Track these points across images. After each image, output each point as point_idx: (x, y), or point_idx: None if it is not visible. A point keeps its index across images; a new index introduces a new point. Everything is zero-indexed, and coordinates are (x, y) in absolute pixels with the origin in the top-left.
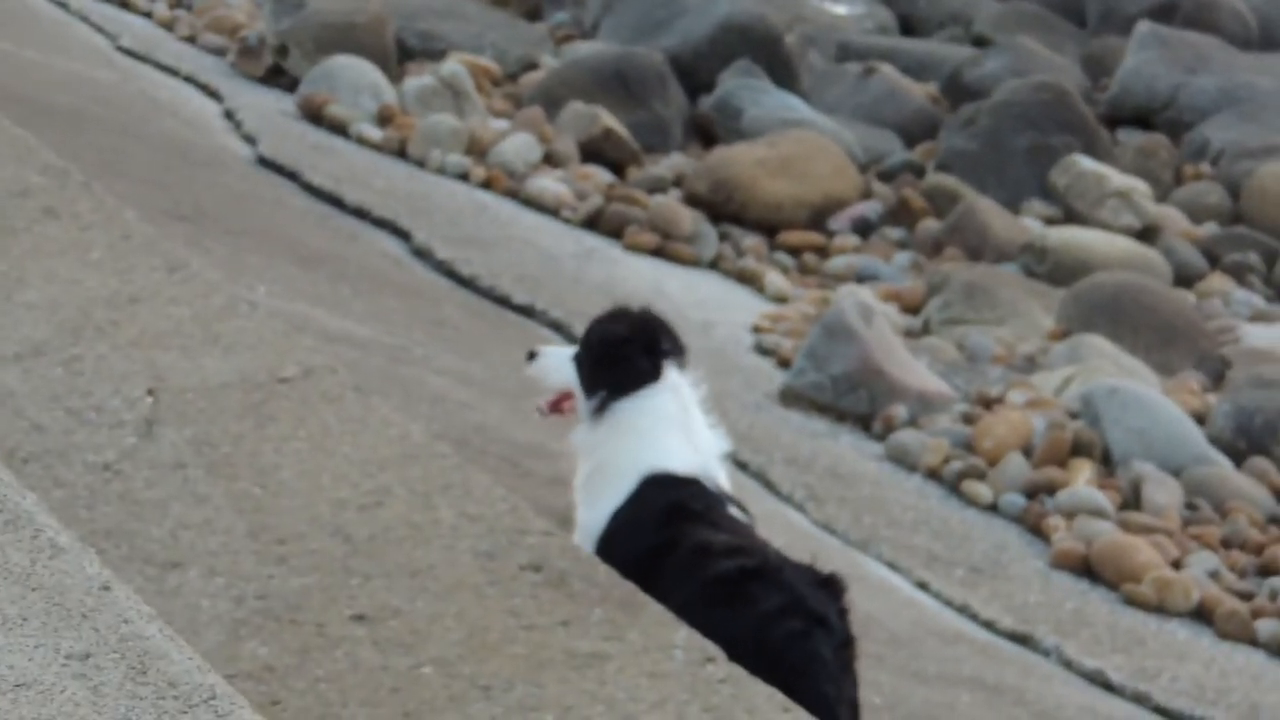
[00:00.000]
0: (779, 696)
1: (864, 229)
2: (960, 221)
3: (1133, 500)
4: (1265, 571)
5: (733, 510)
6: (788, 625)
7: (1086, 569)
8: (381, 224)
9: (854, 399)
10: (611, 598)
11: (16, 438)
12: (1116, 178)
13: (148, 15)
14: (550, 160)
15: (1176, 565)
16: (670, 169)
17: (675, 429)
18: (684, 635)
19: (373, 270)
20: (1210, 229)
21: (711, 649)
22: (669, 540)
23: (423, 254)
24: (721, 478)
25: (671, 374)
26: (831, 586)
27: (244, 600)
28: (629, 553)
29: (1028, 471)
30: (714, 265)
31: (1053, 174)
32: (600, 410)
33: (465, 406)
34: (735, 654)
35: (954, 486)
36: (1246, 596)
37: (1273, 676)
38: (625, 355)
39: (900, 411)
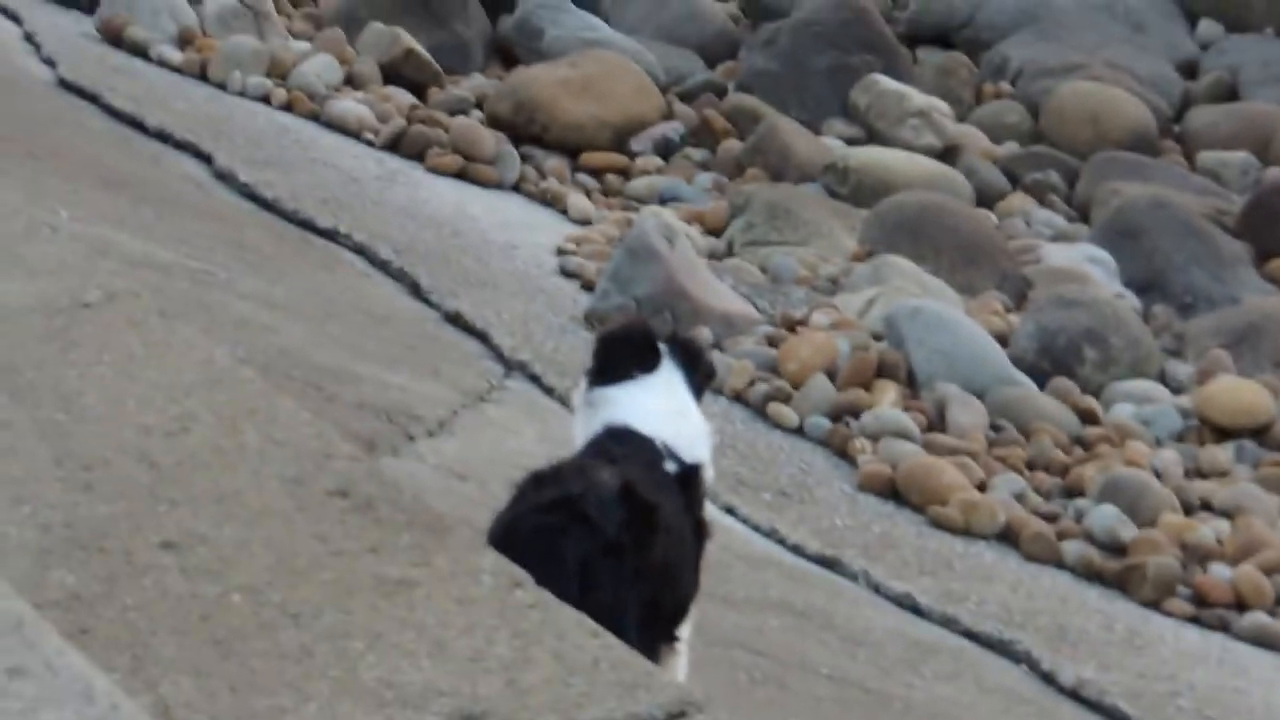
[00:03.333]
0: (588, 622)
1: (666, 150)
2: (762, 142)
3: (938, 422)
4: (1070, 492)
5: (670, 473)
6: (541, 520)
7: (893, 491)
8: (183, 146)
9: (658, 321)
10: (419, 522)
11: None
12: (917, 97)
13: None
14: (351, 82)
15: (982, 487)
16: (472, 90)
17: (659, 406)
18: (491, 560)
19: (175, 193)
20: (1010, 148)
21: (519, 574)
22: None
23: (225, 177)
24: (692, 454)
25: (667, 369)
26: (630, 497)
27: (50, 528)
28: None
29: (833, 394)
30: (516, 187)
31: (853, 93)
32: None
33: (269, 330)
34: (502, 550)
35: (760, 409)
36: (1052, 518)
37: (1078, 598)
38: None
39: (704, 333)
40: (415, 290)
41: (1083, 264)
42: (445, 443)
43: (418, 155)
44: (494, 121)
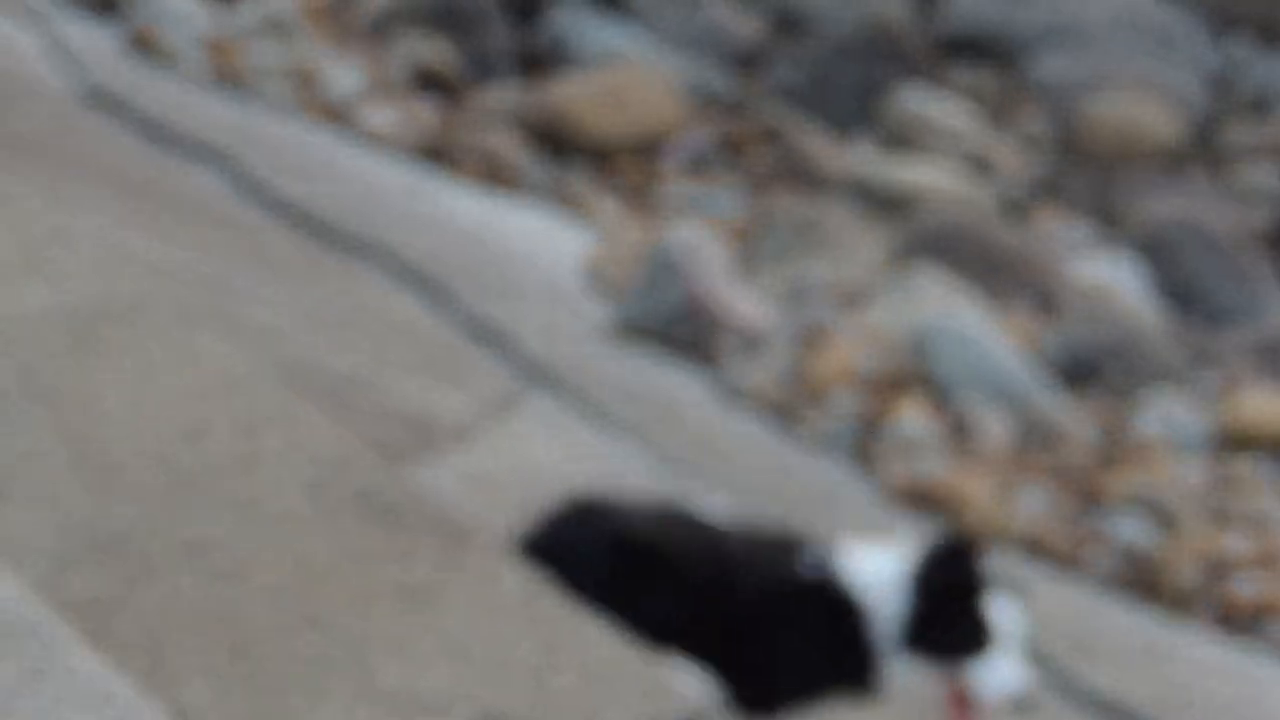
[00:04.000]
0: (612, 629)
1: (693, 161)
2: (790, 155)
3: (963, 434)
4: (1094, 504)
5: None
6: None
7: (917, 502)
8: (207, 155)
9: (684, 331)
10: (441, 529)
11: None
12: (946, 111)
13: None
14: (378, 92)
15: (1006, 499)
16: (499, 101)
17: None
18: (515, 567)
19: (197, 202)
20: (1039, 162)
21: (543, 581)
22: None
23: (249, 186)
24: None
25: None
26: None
27: (69, 531)
28: None
29: (857, 405)
30: (543, 198)
31: (882, 107)
32: None
33: (289, 338)
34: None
35: (784, 420)
36: (1075, 529)
37: (1099, 607)
38: None
39: (730, 344)
40: (438, 299)
41: (1110, 278)
42: (466, 452)
43: (444, 165)
44: (521, 132)
